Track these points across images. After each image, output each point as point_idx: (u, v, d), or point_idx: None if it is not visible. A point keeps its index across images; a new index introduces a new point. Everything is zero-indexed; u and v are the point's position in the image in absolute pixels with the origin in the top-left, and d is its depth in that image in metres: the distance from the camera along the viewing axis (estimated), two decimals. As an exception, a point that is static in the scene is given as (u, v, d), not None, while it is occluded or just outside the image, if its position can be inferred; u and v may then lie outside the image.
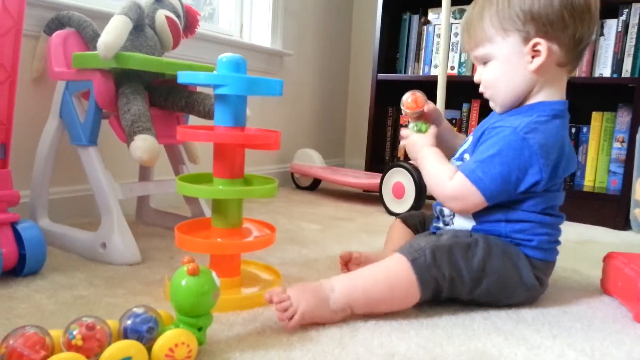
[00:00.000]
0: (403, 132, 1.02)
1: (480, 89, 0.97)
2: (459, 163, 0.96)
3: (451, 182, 0.89)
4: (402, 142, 1.03)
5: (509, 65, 0.91)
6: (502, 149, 0.86)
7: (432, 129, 0.99)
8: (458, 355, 0.73)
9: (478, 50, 0.93)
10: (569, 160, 0.90)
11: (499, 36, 0.90)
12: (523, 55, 0.89)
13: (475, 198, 0.88)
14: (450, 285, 0.85)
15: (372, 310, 0.83)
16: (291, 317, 0.76)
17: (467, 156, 0.95)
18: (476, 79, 0.97)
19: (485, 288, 0.86)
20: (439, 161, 0.94)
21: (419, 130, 0.99)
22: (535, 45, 0.88)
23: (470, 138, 0.99)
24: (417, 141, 0.98)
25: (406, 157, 2.20)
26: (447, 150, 1.08)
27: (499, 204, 0.89)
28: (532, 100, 0.92)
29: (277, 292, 0.78)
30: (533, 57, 0.89)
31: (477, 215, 0.92)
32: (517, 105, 0.94)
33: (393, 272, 0.83)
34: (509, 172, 0.86)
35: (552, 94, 0.92)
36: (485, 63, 0.94)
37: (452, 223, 0.95)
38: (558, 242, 0.94)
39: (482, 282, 0.86)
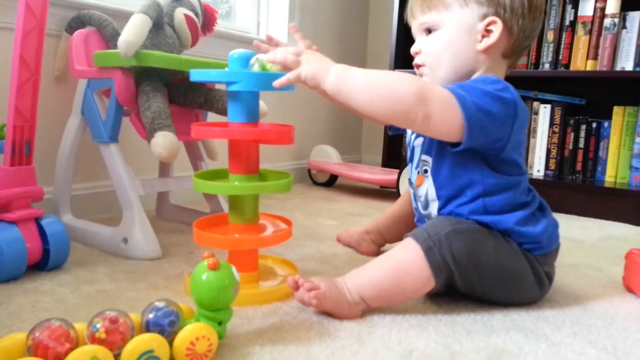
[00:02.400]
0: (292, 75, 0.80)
1: (418, 61, 0.91)
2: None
3: (431, 87, 0.78)
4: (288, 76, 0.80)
5: (456, 38, 0.86)
6: (487, 87, 0.80)
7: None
8: (477, 351, 0.72)
9: (428, 16, 0.88)
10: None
11: (457, 4, 0.86)
12: (474, 33, 0.86)
13: (454, 114, 0.77)
14: (459, 269, 0.81)
15: (385, 301, 0.83)
16: (314, 289, 0.78)
17: (420, 181, 0.92)
18: (415, 49, 0.91)
19: (499, 281, 0.85)
20: (376, 70, 0.80)
21: (263, 69, 0.83)
22: (490, 23, 0.85)
23: (412, 168, 0.96)
24: (314, 63, 0.79)
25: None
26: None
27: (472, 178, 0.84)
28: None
29: (297, 277, 0.81)
30: (483, 36, 0.86)
31: (449, 198, 0.87)
32: None
33: (398, 257, 0.82)
34: (495, 111, 0.79)
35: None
36: (429, 32, 0.89)
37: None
38: (555, 228, 0.91)
39: (498, 276, 0.84)
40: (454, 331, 0.78)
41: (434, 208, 0.91)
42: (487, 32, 0.86)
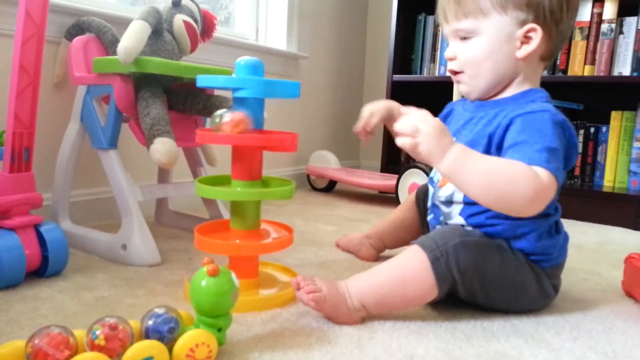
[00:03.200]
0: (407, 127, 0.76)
1: (454, 67, 0.89)
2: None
3: (541, 177, 0.74)
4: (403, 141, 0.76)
5: (496, 46, 0.85)
6: (555, 133, 0.78)
7: None
8: (477, 357, 0.72)
9: (464, 22, 0.86)
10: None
11: (495, 11, 0.84)
12: (513, 40, 0.84)
13: (554, 191, 0.77)
14: (464, 279, 0.81)
15: (386, 309, 0.83)
16: (315, 291, 0.78)
17: (445, 181, 0.91)
18: (450, 54, 0.89)
19: (502, 293, 0.85)
20: (490, 156, 0.79)
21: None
22: (529, 30, 0.84)
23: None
24: (432, 130, 0.74)
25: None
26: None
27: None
28: (516, 90, 0.88)
29: (299, 278, 0.81)
30: (522, 43, 0.85)
31: (473, 214, 0.87)
32: (495, 95, 0.89)
33: (404, 264, 0.81)
34: (564, 156, 0.80)
35: (532, 83, 0.89)
36: (465, 38, 0.87)
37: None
38: (566, 241, 0.91)
39: (502, 287, 0.84)
40: (454, 337, 0.78)
41: (456, 209, 0.90)
42: (527, 38, 0.85)
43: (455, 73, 0.91)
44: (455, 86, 0.89)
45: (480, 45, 0.86)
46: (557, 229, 0.90)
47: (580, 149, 1.85)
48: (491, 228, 0.85)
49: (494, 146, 0.84)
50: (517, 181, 0.74)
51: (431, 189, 0.98)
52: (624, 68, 1.73)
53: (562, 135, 0.81)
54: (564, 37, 0.88)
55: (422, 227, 1.09)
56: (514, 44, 0.85)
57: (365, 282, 0.82)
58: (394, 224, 1.17)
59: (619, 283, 1.05)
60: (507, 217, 0.83)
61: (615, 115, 1.79)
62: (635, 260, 0.98)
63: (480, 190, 0.75)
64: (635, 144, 1.76)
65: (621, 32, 1.74)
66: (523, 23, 0.84)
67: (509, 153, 0.79)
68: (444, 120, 0.95)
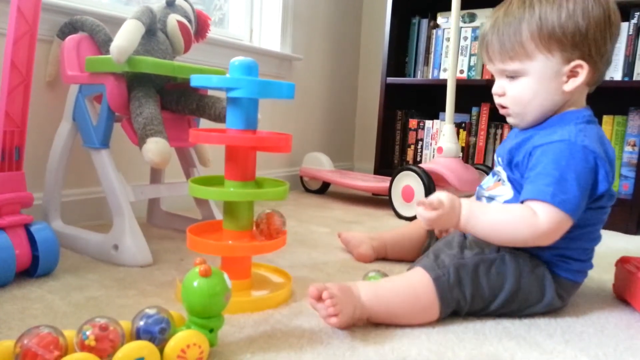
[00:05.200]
0: (433, 200, 0.84)
1: (503, 102, 0.91)
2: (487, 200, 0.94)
3: (540, 218, 0.80)
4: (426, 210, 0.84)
5: (544, 85, 0.86)
6: (570, 163, 0.80)
7: None
8: (469, 359, 0.72)
9: (510, 64, 0.87)
10: (614, 162, 0.87)
11: (541, 54, 0.84)
12: (560, 75, 0.85)
13: (566, 223, 0.81)
14: (472, 304, 0.84)
15: (391, 323, 0.81)
16: (338, 313, 0.75)
17: (495, 186, 0.94)
18: (498, 91, 0.91)
19: (505, 305, 0.85)
20: (493, 207, 0.87)
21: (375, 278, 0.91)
22: (576, 67, 0.84)
23: (489, 177, 0.98)
24: (449, 204, 0.83)
25: (415, 161, 2.19)
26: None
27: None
28: (556, 113, 0.89)
29: (322, 288, 0.76)
30: (569, 77, 0.85)
31: None
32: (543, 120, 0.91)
33: (416, 290, 0.81)
34: (585, 185, 0.81)
35: (576, 106, 0.90)
36: (512, 77, 0.89)
37: None
38: (590, 266, 0.92)
39: (504, 300, 0.85)
40: (446, 339, 0.78)
41: None
42: (573, 72, 0.85)
43: (504, 107, 0.92)
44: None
45: (527, 85, 0.87)
46: (587, 255, 0.91)
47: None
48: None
49: (513, 168, 0.90)
50: (515, 228, 0.82)
51: (480, 193, 0.98)
52: (615, 73, 1.75)
53: (583, 161, 0.81)
54: (609, 63, 0.89)
55: (429, 244, 1.12)
56: (561, 79, 0.86)
57: (378, 300, 0.80)
58: (403, 235, 1.18)
59: (610, 286, 1.05)
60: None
61: (607, 120, 1.81)
62: (627, 264, 0.99)
63: (490, 238, 0.85)
64: (627, 148, 1.77)
65: (613, 37, 1.75)
66: (569, 60, 0.85)
67: (525, 186, 0.85)
68: (517, 150, 0.93)
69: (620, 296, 1.00)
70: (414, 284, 0.82)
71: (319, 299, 0.76)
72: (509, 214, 0.84)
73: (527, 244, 0.84)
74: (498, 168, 0.96)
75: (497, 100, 0.92)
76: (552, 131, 0.86)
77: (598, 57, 0.85)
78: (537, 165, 0.83)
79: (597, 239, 0.91)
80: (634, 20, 1.71)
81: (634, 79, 1.71)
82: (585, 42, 0.83)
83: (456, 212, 0.84)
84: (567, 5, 0.83)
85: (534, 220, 0.80)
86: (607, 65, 0.89)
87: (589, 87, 0.90)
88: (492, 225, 0.84)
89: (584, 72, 0.85)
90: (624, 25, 1.73)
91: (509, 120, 0.94)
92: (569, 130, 0.84)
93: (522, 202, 0.84)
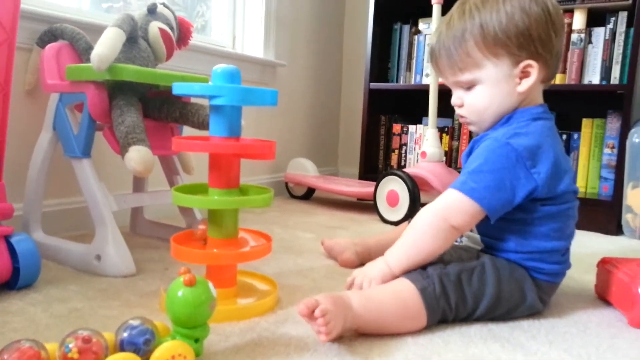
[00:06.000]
0: (347, 281, 0.92)
1: (462, 113, 0.93)
2: None
3: (437, 202, 0.86)
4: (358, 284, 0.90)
5: (498, 89, 0.87)
6: (488, 157, 0.84)
7: None
8: (455, 362, 0.73)
9: (462, 76, 0.89)
10: (563, 159, 0.88)
11: (489, 60, 0.86)
12: (512, 77, 0.87)
13: (474, 210, 0.83)
14: (457, 313, 0.84)
15: (380, 333, 0.81)
16: (330, 331, 0.73)
17: None
18: (457, 102, 0.92)
19: (489, 311, 0.86)
20: (399, 241, 0.89)
21: None
22: (526, 67, 0.86)
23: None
24: (368, 271, 0.90)
25: (399, 166, 2.21)
26: None
27: (510, 232, 0.87)
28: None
29: (313, 305, 0.73)
30: (521, 78, 0.87)
31: (489, 246, 0.91)
32: None
33: (404, 301, 0.81)
34: (502, 178, 0.82)
35: (530, 104, 0.91)
36: (469, 88, 0.90)
37: (462, 240, 0.95)
38: (568, 266, 0.94)
39: (487, 306, 0.85)
40: (432, 342, 0.79)
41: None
42: (525, 73, 0.87)
43: (462, 116, 0.94)
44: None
45: (482, 93, 0.89)
46: (563, 256, 0.92)
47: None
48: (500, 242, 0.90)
49: None
50: (425, 230, 0.86)
51: None
52: (593, 77, 1.78)
53: (502, 156, 0.83)
54: (559, 57, 0.90)
55: None
56: (513, 81, 0.87)
57: (367, 312, 0.78)
58: (386, 240, 1.17)
59: (591, 287, 1.07)
60: (514, 233, 0.88)
61: (586, 123, 1.84)
62: (607, 265, 1.01)
63: (420, 260, 0.86)
64: (606, 150, 1.81)
65: (590, 42, 1.79)
66: (518, 62, 0.86)
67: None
68: (469, 153, 0.94)
69: (602, 296, 1.01)
70: (402, 295, 0.82)
71: (311, 316, 0.73)
72: (412, 229, 0.88)
73: (445, 234, 0.85)
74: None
75: (457, 111, 0.94)
76: (494, 132, 0.88)
77: (547, 54, 0.87)
78: (467, 162, 0.88)
79: (569, 236, 0.92)
80: (610, 25, 1.75)
81: (611, 82, 1.75)
82: (530, 42, 0.85)
83: (377, 265, 0.89)
84: (505, 8, 0.84)
85: (434, 206, 0.86)
86: (558, 59, 0.91)
87: (544, 84, 0.92)
88: (411, 250, 0.87)
89: (535, 71, 0.86)
90: (600, 30, 1.76)
91: (470, 128, 0.96)
92: (505, 130, 0.86)
93: None
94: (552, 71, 0.90)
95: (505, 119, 0.90)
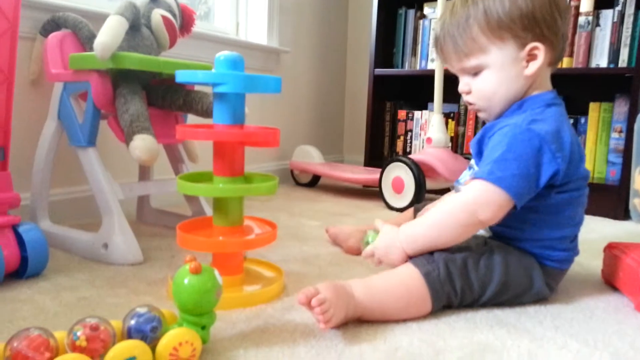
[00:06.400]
0: (367, 250, 0.92)
1: (470, 100, 0.92)
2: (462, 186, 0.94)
3: (464, 194, 0.83)
4: (372, 259, 0.92)
5: (505, 73, 0.87)
6: (511, 144, 0.82)
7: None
8: (461, 347, 0.73)
9: (467, 62, 0.88)
10: (578, 145, 0.87)
11: (494, 45, 0.85)
12: (519, 61, 0.86)
13: (502, 199, 0.81)
14: (462, 298, 0.84)
15: (384, 320, 0.81)
16: (329, 319, 0.73)
17: (471, 180, 0.94)
18: (464, 89, 0.92)
19: (496, 296, 0.86)
20: (423, 217, 0.88)
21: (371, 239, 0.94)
22: (532, 49, 0.85)
23: (466, 171, 0.99)
24: (383, 244, 0.89)
25: (404, 152, 2.20)
26: None
27: (521, 220, 0.87)
28: (520, 99, 0.90)
29: (311, 294, 0.73)
30: (528, 61, 0.86)
31: (497, 233, 0.90)
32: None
33: (408, 287, 0.81)
34: (527, 165, 0.81)
35: (540, 88, 0.90)
36: (475, 73, 0.89)
37: None
38: (576, 253, 0.93)
39: (494, 291, 0.85)
40: (437, 328, 0.79)
41: None
42: (531, 56, 0.86)
43: (471, 103, 0.93)
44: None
45: (490, 78, 0.88)
46: (572, 243, 0.92)
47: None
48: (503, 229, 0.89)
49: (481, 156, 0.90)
50: (449, 220, 0.84)
51: (457, 189, 0.99)
52: (601, 60, 1.76)
53: (525, 142, 0.81)
54: (565, 39, 0.89)
55: None
56: (521, 65, 0.86)
57: (371, 299, 0.79)
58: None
59: (598, 272, 1.07)
60: (525, 221, 0.87)
61: (593, 107, 1.82)
62: (615, 250, 1.00)
63: (439, 243, 0.85)
64: (614, 135, 1.79)
65: (598, 25, 1.76)
66: (524, 44, 0.85)
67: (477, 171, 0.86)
68: (480, 141, 0.93)
69: (609, 282, 1.01)
70: (405, 281, 0.82)
71: (310, 305, 0.73)
72: (438, 213, 0.86)
73: (470, 228, 0.84)
74: (472, 161, 0.97)
75: (465, 98, 0.93)
76: (509, 119, 0.87)
77: (552, 36, 0.86)
78: (486, 151, 0.86)
79: (578, 224, 0.92)
80: (618, 7, 1.72)
81: (619, 65, 1.72)
82: (535, 24, 0.84)
83: (398, 246, 0.87)
84: None
85: (463, 199, 0.83)
86: (565, 41, 0.90)
87: (551, 67, 0.91)
88: (430, 231, 0.85)
89: (541, 53, 0.85)
90: (609, 13, 1.74)
91: (480, 115, 0.95)
92: (522, 117, 0.85)
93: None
94: (558, 54, 0.89)
95: (517, 105, 0.89)
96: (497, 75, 0.87)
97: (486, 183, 0.82)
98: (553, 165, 0.82)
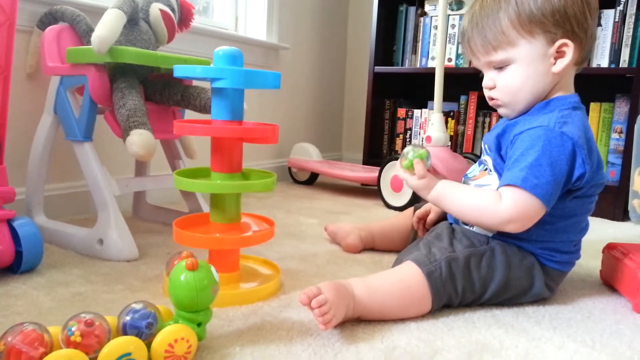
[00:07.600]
0: (404, 176, 0.92)
1: (494, 95, 0.91)
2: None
3: (503, 203, 0.81)
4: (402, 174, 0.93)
5: (532, 69, 0.85)
6: (545, 149, 0.80)
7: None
8: (459, 347, 0.72)
9: (494, 55, 0.87)
10: (597, 150, 0.87)
11: (524, 39, 0.84)
12: (547, 57, 0.85)
13: (537, 209, 0.80)
14: (463, 297, 0.84)
15: (383, 319, 0.80)
16: (329, 321, 0.72)
17: (481, 175, 0.94)
18: (489, 84, 0.90)
19: (496, 296, 0.85)
20: (465, 188, 0.88)
21: (420, 157, 0.91)
22: (561, 46, 0.84)
23: (475, 166, 0.98)
24: (417, 187, 0.90)
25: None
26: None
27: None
28: (545, 99, 0.89)
29: (312, 294, 0.72)
30: (556, 58, 0.85)
31: (501, 234, 0.88)
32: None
33: (409, 286, 0.80)
34: (560, 171, 0.80)
35: (565, 89, 0.89)
36: (501, 68, 0.88)
37: (472, 227, 0.92)
38: (578, 257, 0.93)
39: (495, 291, 0.85)
40: (435, 328, 0.78)
41: None
42: (560, 53, 0.85)
43: (493, 99, 0.92)
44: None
45: (516, 72, 0.87)
46: (575, 247, 0.92)
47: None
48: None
49: (503, 155, 0.89)
50: (479, 214, 0.85)
51: (467, 184, 0.98)
52: (602, 60, 1.76)
53: (559, 147, 0.80)
54: (593, 39, 0.89)
55: (416, 234, 1.12)
56: (548, 61, 0.85)
57: (370, 299, 0.78)
58: (390, 225, 1.18)
59: (597, 272, 1.06)
60: (533, 225, 0.85)
61: (594, 107, 1.82)
62: (613, 251, 1.00)
63: (459, 214, 0.90)
64: (614, 135, 1.79)
65: (599, 25, 1.76)
66: (553, 40, 0.84)
67: (504, 173, 0.85)
68: (501, 135, 0.92)
69: (607, 282, 1.01)
70: (406, 280, 0.81)
71: (310, 305, 0.72)
72: (476, 199, 0.85)
73: (492, 229, 0.87)
74: (485, 157, 0.96)
75: (488, 93, 0.92)
76: (535, 118, 0.86)
77: (582, 33, 0.85)
78: (515, 152, 0.84)
79: (584, 229, 0.92)
80: (620, 7, 1.71)
81: (620, 65, 1.72)
82: (566, 20, 0.83)
83: (430, 187, 0.89)
84: None
85: (496, 207, 0.82)
86: (593, 42, 0.89)
87: (577, 67, 0.90)
88: (459, 207, 0.88)
89: (570, 51, 0.84)
90: (610, 13, 1.73)
91: (500, 111, 0.93)
92: (550, 117, 0.84)
93: (498, 189, 0.84)
94: (586, 53, 0.88)
95: (543, 104, 0.88)
96: (524, 70, 0.86)
97: (523, 192, 0.80)
98: (580, 169, 0.82)
